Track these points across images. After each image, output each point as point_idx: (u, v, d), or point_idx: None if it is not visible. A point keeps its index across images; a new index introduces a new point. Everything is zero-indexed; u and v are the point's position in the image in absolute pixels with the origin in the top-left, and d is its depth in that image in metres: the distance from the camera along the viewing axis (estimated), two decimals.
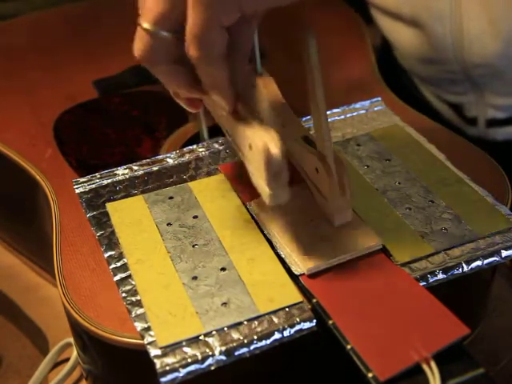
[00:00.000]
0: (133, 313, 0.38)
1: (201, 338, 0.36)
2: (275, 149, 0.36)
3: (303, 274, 0.39)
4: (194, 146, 0.50)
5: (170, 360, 0.35)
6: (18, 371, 0.50)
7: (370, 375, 0.33)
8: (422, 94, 0.70)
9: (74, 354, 0.48)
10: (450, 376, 0.33)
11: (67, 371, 0.48)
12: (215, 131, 0.53)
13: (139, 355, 0.37)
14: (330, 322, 0.36)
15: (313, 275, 0.39)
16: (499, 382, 0.46)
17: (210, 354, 0.35)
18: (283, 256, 0.40)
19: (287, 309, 0.37)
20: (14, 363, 0.51)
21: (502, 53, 0.58)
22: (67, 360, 0.48)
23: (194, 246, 0.42)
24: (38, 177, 0.50)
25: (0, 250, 0.60)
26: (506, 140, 0.65)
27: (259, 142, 0.37)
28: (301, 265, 0.39)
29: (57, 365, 0.49)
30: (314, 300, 0.38)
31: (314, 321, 0.37)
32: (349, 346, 0.35)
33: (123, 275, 0.40)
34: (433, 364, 0.33)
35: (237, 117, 0.41)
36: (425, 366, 0.33)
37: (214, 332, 0.36)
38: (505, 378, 0.47)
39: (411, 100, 0.57)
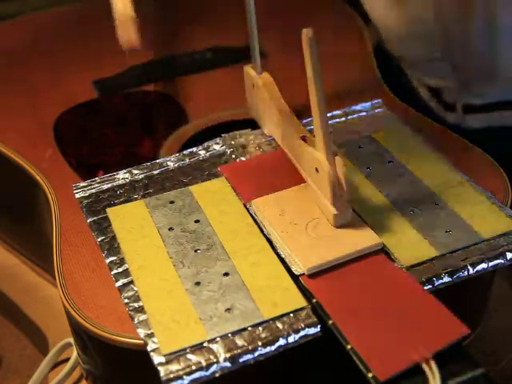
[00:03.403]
0: (135, 319, 0.37)
1: (205, 344, 0.36)
2: (340, 172, 0.39)
3: (303, 274, 0.39)
4: (194, 149, 0.50)
5: (174, 367, 0.35)
6: (17, 371, 0.50)
7: (369, 375, 0.33)
8: (410, 80, 0.70)
9: (74, 354, 0.48)
10: (450, 376, 0.33)
11: (67, 371, 0.48)
12: (214, 132, 0.53)
13: (139, 355, 0.37)
14: (330, 321, 0.36)
15: (313, 275, 0.39)
16: (499, 382, 0.46)
17: (215, 360, 0.35)
18: (283, 256, 0.40)
19: (291, 314, 0.37)
20: (14, 363, 0.51)
21: (478, 29, 0.59)
22: (67, 360, 0.48)
23: (196, 251, 0.41)
24: (37, 177, 0.50)
25: (0, 250, 0.60)
26: (482, 128, 0.65)
27: (325, 166, 0.39)
28: (301, 265, 0.39)
29: (57, 365, 0.49)
30: (314, 300, 0.38)
31: (319, 326, 0.37)
32: (349, 346, 0.35)
33: (125, 281, 0.40)
34: (433, 364, 0.33)
35: (304, 142, 0.43)
36: (425, 366, 0.33)
37: (218, 338, 0.36)
38: (505, 378, 0.47)
39: (411, 100, 0.57)
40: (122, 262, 0.41)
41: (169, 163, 0.49)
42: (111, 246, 0.42)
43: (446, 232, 0.42)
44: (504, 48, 0.60)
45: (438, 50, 0.63)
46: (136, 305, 0.38)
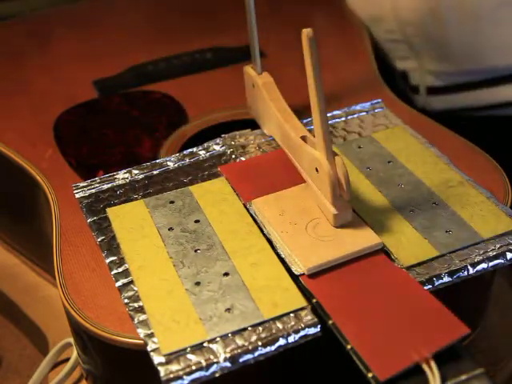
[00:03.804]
0: (135, 319, 0.37)
1: (205, 344, 0.36)
2: (340, 172, 0.39)
3: (303, 274, 0.39)
4: (194, 149, 0.50)
5: (174, 367, 0.35)
6: (17, 371, 0.50)
7: (370, 375, 0.33)
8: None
9: (74, 354, 0.48)
10: (450, 376, 0.33)
11: (67, 371, 0.48)
12: (214, 132, 0.53)
13: (139, 355, 0.37)
14: (330, 322, 0.36)
15: (313, 275, 0.39)
16: (499, 382, 0.46)
17: (215, 360, 0.35)
18: (283, 256, 0.40)
19: (292, 314, 0.37)
20: (14, 363, 0.51)
21: (429, 10, 0.59)
22: (67, 360, 0.48)
23: (196, 251, 0.41)
24: (38, 177, 0.50)
25: (0, 250, 0.60)
26: (444, 109, 0.66)
27: (325, 167, 0.39)
28: (301, 265, 0.39)
29: (57, 365, 0.49)
30: (314, 300, 0.38)
31: (319, 326, 0.37)
32: (349, 346, 0.35)
33: (125, 281, 0.40)
34: (433, 364, 0.33)
35: (304, 142, 0.43)
36: (425, 366, 0.33)
37: (218, 339, 0.36)
38: (505, 378, 0.47)
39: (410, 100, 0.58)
40: (121, 261, 0.41)
41: (169, 163, 0.49)
42: (111, 245, 0.42)
43: (446, 232, 0.42)
44: (455, 30, 0.61)
45: (395, 32, 0.64)
46: (136, 305, 0.38)
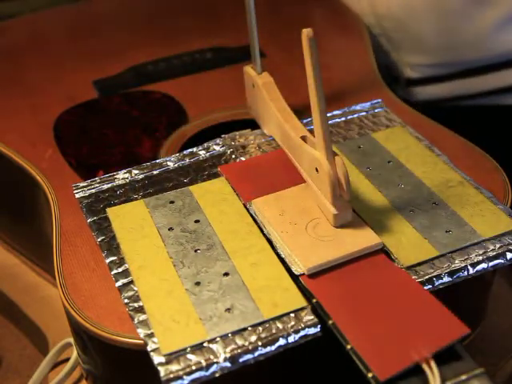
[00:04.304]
0: (135, 319, 0.37)
1: (205, 344, 0.36)
2: (340, 172, 0.39)
3: (303, 274, 0.39)
4: (194, 149, 0.50)
5: (174, 367, 0.35)
6: (17, 371, 0.50)
7: (369, 375, 0.33)
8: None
9: (74, 354, 0.48)
10: (450, 376, 0.33)
11: (67, 371, 0.48)
12: (214, 132, 0.53)
13: (139, 355, 0.37)
14: (330, 322, 0.36)
15: (313, 275, 0.39)
16: (499, 382, 0.46)
17: (215, 360, 0.35)
18: (283, 256, 0.40)
19: (292, 314, 0.37)
20: (14, 363, 0.51)
21: (403, 4, 0.61)
22: (67, 360, 0.48)
23: (196, 251, 0.41)
24: (38, 177, 0.50)
25: (0, 250, 0.60)
26: (424, 100, 0.68)
27: (325, 167, 0.39)
28: (301, 265, 0.39)
29: (57, 365, 0.49)
30: (314, 300, 0.38)
31: (319, 326, 0.37)
32: (349, 346, 0.35)
33: (125, 281, 0.40)
34: (433, 364, 0.33)
35: (304, 142, 0.43)
36: (425, 366, 0.33)
37: (218, 338, 0.36)
38: (505, 378, 0.47)
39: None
40: (121, 261, 0.41)
41: (169, 163, 0.49)
42: (111, 245, 0.42)
43: (446, 232, 0.42)
44: (429, 25, 0.64)
45: (374, 26, 0.66)
46: (136, 305, 0.38)
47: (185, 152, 0.50)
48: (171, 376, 0.35)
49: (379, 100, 0.55)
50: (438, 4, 0.63)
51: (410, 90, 0.68)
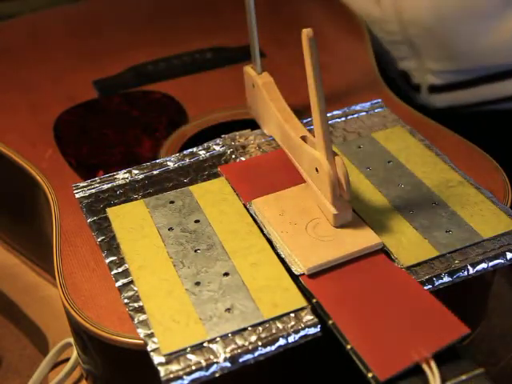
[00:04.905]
0: (135, 319, 0.37)
1: (205, 344, 0.36)
2: (340, 172, 0.39)
3: (303, 274, 0.39)
4: (194, 149, 0.50)
5: (174, 367, 0.35)
6: (17, 371, 0.50)
7: (369, 375, 0.33)
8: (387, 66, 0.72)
9: (74, 354, 0.48)
10: (450, 376, 0.33)
11: (67, 371, 0.48)
12: (214, 132, 0.53)
13: (139, 355, 0.37)
14: (330, 322, 0.36)
15: (313, 275, 0.39)
16: (499, 382, 0.46)
17: (215, 360, 0.35)
18: (283, 256, 0.40)
19: (292, 314, 0.37)
20: (14, 363, 0.51)
21: (433, 9, 0.60)
22: (67, 360, 0.48)
23: (196, 251, 0.41)
24: (38, 177, 0.50)
25: (0, 250, 0.60)
26: (446, 107, 0.67)
27: (325, 167, 0.39)
28: (301, 265, 0.39)
29: (57, 365, 0.49)
30: (314, 300, 0.38)
31: (319, 326, 0.37)
32: (349, 346, 0.35)
33: (125, 281, 0.40)
34: (433, 364, 0.33)
35: (304, 142, 0.43)
36: (425, 366, 0.33)
37: (218, 339, 0.36)
38: (505, 378, 0.47)
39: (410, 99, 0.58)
40: (121, 262, 0.41)
41: (169, 163, 0.49)
42: (111, 245, 0.42)
43: (446, 232, 0.42)
44: (458, 29, 0.63)
45: (396, 33, 0.65)
46: (136, 305, 0.38)
47: (185, 152, 0.50)
48: (171, 376, 0.35)
49: (379, 100, 0.55)
50: (469, 8, 0.61)
51: (432, 97, 0.67)
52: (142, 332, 0.37)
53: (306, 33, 0.36)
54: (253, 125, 0.53)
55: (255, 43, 0.50)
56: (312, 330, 0.37)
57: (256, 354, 0.36)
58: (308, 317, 0.37)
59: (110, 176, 0.48)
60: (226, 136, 0.51)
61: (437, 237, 0.41)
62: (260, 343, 0.36)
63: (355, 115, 0.53)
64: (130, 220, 0.44)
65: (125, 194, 0.47)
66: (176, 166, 0.49)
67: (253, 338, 0.36)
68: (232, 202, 0.45)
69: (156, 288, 0.39)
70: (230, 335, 0.36)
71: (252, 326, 0.37)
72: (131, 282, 0.40)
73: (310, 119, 0.50)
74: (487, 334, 0.48)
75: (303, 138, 0.44)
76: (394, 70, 0.70)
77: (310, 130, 0.45)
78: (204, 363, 0.35)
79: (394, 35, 0.67)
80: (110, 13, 0.74)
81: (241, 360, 0.35)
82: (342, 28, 0.68)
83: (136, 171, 0.48)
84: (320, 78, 0.37)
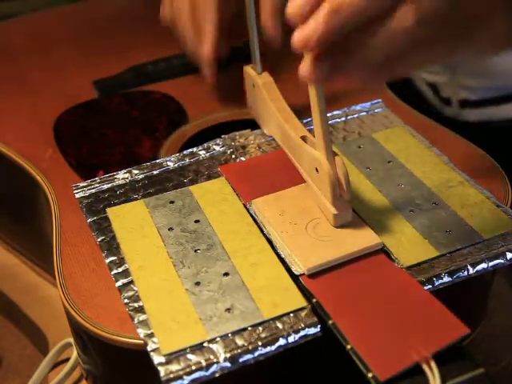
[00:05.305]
0: (135, 319, 0.37)
1: (205, 344, 0.36)
2: (340, 172, 0.39)
3: (303, 273, 0.39)
4: (194, 149, 0.50)
5: (174, 367, 0.35)
6: (17, 371, 0.50)
7: (369, 375, 0.33)
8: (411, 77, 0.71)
9: (74, 354, 0.48)
10: (450, 376, 0.33)
11: (67, 371, 0.48)
12: (214, 132, 0.53)
13: (139, 355, 0.37)
14: (330, 321, 0.36)
15: (313, 275, 0.39)
16: (499, 382, 0.46)
17: (215, 360, 0.35)
18: (283, 256, 0.40)
19: (291, 314, 0.37)
20: (14, 363, 0.51)
21: None
22: (67, 360, 0.48)
23: (196, 251, 0.41)
24: (38, 177, 0.50)
25: (0, 250, 0.60)
26: (478, 121, 0.67)
27: (325, 167, 0.39)
28: (301, 265, 0.39)
29: (57, 365, 0.49)
30: (314, 300, 0.38)
31: (319, 326, 0.37)
32: (349, 346, 0.35)
33: (125, 281, 0.40)
34: (433, 364, 0.33)
35: (304, 142, 0.43)
36: (425, 366, 0.33)
37: (218, 338, 0.36)
38: (505, 378, 0.47)
39: (412, 95, 0.58)
40: (121, 261, 0.41)
41: (169, 163, 0.49)
42: (111, 245, 0.42)
43: (446, 232, 0.42)
44: None
45: None
46: (136, 305, 0.38)
47: (185, 152, 0.50)
48: (171, 376, 0.35)
49: (379, 100, 0.55)
50: None
51: (464, 111, 0.67)
52: (141, 332, 0.37)
53: None
54: (253, 125, 0.53)
55: (255, 43, 0.50)
56: (312, 330, 0.37)
57: (256, 354, 0.36)
58: (308, 317, 0.37)
59: (110, 176, 0.48)
60: (226, 136, 0.51)
61: (437, 237, 0.41)
62: (260, 343, 0.36)
63: (355, 115, 0.53)
64: (130, 220, 0.44)
65: (125, 194, 0.47)
66: (176, 166, 0.49)
67: (253, 338, 0.36)
68: (232, 202, 0.45)
69: (156, 288, 0.39)
70: (230, 335, 0.36)
71: (252, 326, 0.37)
72: (131, 282, 0.40)
73: (310, 119, 0.50)
74: (487, 334, 0.48)
75: (303, 138, 0.44)
76: (421, 81, 0.69)
77: (310, 130, 0.45)
78: (204, 363, 0.35)
79: None
80: (110, 13, 0.74)
81: (241, 360, 0.35)
82: None
83: (136, 171, 0.48)
84: None
